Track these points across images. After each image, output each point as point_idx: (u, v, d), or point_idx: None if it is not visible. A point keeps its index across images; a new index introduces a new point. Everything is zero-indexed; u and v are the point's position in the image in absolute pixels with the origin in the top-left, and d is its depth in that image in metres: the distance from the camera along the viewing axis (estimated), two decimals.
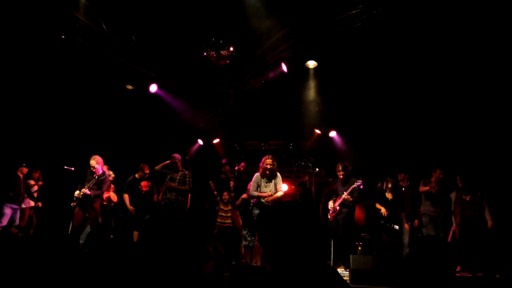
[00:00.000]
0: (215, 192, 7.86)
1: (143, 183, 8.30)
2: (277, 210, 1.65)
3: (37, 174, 8.95)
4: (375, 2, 7.55)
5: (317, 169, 9.22)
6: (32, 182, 8.78)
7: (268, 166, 6.62)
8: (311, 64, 9.46)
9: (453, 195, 7.68)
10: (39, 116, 9.55)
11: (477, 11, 7.08)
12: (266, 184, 6.67)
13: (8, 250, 3.72)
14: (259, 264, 6.60)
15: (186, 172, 7.57)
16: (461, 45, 7.79)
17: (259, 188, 6.68)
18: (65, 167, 8.31)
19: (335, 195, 7.63)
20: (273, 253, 1.58)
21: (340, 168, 7.56)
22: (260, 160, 6.99)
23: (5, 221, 8.17)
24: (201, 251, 4.75)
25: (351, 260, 5.27)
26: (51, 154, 9.55)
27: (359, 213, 8.85)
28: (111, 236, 8.44)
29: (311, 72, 9.70)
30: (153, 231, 7.99)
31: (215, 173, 9.62)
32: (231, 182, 8.03)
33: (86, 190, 6.95)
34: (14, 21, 7.65)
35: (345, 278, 5.84)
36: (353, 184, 7.27)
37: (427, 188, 7.62)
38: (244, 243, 7.45)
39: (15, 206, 8.37)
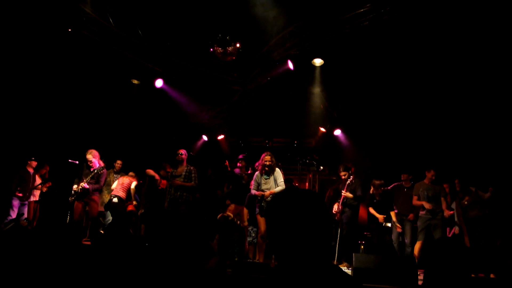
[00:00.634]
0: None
1: (164, 181, 8.41)
2: (290, 197, 1.58)
3: (44, 171, 9.00)
4: (383, 1, 7.50)
5: (321, 167, 9.21)
6: (38, 180, 8.83)
7: (267, 163, 6.61)
8: (318, 62, 9.42)
9: (453, 205, 7.72)
10: (44, 110, 9.58)
11: (485, 11, 7.04)
12: (266, 181, 6.66)
13: (19, 243, 3.75)
14: (261, 260, 6.59)
15: (192, 168, 7.42)
16: (468, 45, 7.74)
17: (259, 186, 6.67)
18: (70, 160, 8.34)
19: (339, 196, 7.69)
20: (280, 243, 1.51)
21: (342, 169, 7.66)
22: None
23: (14, 214, 8.25)
24: (204, 247, 4.77)
25: (353, 259, 5.26)
26: (56, 147, 9.59)
27: (362, 213, 8.85)
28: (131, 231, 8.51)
29: (317, 70, 9.67)
30: (158, 226, 8.02)
31: (219, 169, 9.66)
32: (245, 177, 8.00)
33: (84, 185, 7.01)
34: (21, 14, 7.66)
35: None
36: (355, 183, 7.37)
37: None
38: (248, 239, 7.46)
39: (23, 201, 8.48)
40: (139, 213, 8.64)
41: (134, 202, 8.42)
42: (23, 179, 8.50)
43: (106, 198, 8.62)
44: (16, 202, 8.37)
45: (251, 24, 8.38)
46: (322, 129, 10.64)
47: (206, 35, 8.74)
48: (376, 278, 5.08)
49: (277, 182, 6.52)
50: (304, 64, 9.50)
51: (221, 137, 11.47)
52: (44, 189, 8.88)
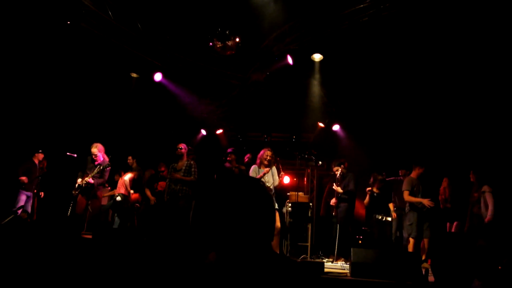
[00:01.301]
0: None
1: (161, 183, 8.44)
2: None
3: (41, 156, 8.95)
4: None
5: (320, 162, 9.26)
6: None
7: (268, 158, 6.69)
8: (317, 57, 9.42)
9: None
10: (43, 103, 9.55)
11: (485, 7, 7.05)
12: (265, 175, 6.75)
13: (19, 236, 3.76)
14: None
15: (192, 162, 7.37)
16: (467, 41, 7.74)
17: None
18: (68, 153, 8.33)
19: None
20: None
21: (334, 165, 7.75)
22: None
23: (28, 206, 8.30)
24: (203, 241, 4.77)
25: (351, 253, 5.29)
26: (54, 140, 9.57)
27: (359, 207, 8.90)
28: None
29: (317, 65, 9.67)
30: (157, 220, 8.06)
31: (219, 163, 9.66)
32: (235, 171, 8.03)
33: (89, 179, 6.97)
34: (20, 7, 7.62)
35: (345, 271, 5.88)
36: (348, 177, 7.44)
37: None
38: None
39: (29, 194, 8.46)
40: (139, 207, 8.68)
41: (131, 191, 8.48)
42: (29, 171, 8.49)
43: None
44: (23, 196, 8.36)
45: (251, 19, 8.37)
46: (321, 124, 10.65)
47: (205, 29, 8.71)
48: (374, 273, 5.12)
49: (274, 177, 6.64)
50: (303, 59, 9.50)
51: (219, 131, 11.47)
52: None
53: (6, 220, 6.77)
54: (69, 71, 9.38)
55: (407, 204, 7.19)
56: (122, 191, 8.29)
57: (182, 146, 7.45)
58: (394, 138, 9.83)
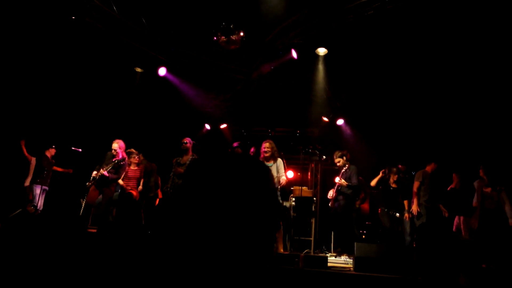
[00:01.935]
0: None
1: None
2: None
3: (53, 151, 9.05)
4: None
5: (324, 156, 9.24)
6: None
7: (265, 149, 6.67)
8: (321, 51, 9.38)
9: (475, 185, 7.61)
10: (48, 98, 9.59)
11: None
12: None
13: (26, 230, 3.80)
14: (282, 250, 6.63)
15: (195, 157, 7.37)
16: (473, 36, 7.69)
17: None
18: (73, 148, 8.39)
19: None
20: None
21: (336, 156, 7.68)
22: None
23: (36, 201, 8.37)
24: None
25: (355, 248, 5.29)
26: (59, 135, 9.62)
27: (364, 204, 8.89)
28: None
29: (321, 59, 9.63)
30: (161, 215, 8.09)
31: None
32: None
33: (104, 172, 7.02)
34: (24, 1, 7.64)
35: (349, 265, 5.89)
36: (350, 170, 7.37)
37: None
38: None
39: (45, 187, 8.56)
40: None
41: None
42: (42, 166, 8.61)
43: None
44: (38, 190, 8.47)
45: (255, 13, 8.34)
46: (325, 119, 10.63)
47: (210, 23, 8.70)
48: (377, 267, 5.12)
49: (279, 172, 6.56)
50: (308, 53, 9.46)
51: (224, 126, 11.48)
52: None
53: (14, 213, 6.83)
54: (74, 66, 9.42)
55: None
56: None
57: (187, 140, 7.45)
58: (399, 133, 9.79)
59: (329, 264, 5.50)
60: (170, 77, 10.06)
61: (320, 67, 9.69)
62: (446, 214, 7.82)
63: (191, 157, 7.35)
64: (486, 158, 8.06)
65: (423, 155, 7.60)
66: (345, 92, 10.54)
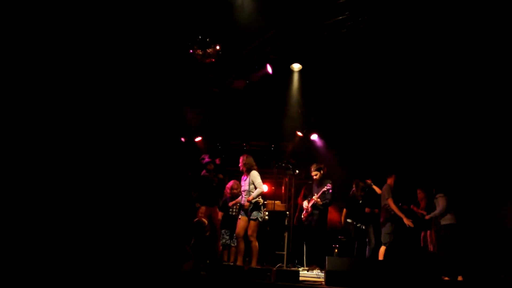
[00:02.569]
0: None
1: None
2: None
3: None
4: (361, 10, 7.65)
5: (297, 171, 9.31)
6: None
7: (240, 164, 6.72)
8: (296, 67, 9.53)
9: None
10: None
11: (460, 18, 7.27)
12: (243, 182, 6.75)
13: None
14: (238, 263, 6.62)
15: None
16: (445, 51, 7.96)
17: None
18: None
19: (310, 195, 7.78)
20: None
21: (313, 169, 7.77)
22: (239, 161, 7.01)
23: None
24: (179, 250, 4.77)
25: (326, 262, 5.33)
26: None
27: (335, 216, 8.97)
28: None
29: (296, 75, 9.77)
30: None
31: (196, 170, 9.59)
32: (215, 179, 8.01)
33: None
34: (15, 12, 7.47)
35: (320, 279, 5.91)
36: (324, 187, 7.44)
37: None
38: (222, 241, 7.49)
39: None
40: None
41: None
42: None
43: None
44: None
45: (231, 27, 8.41)
46: (299, 133, 10.73)
47: (185, 36, 8.71)
48: (349, 281, 5.16)
49: (254, 184, 6.53)
50: (283, 69, 9.59)
51: (198, 139, 11.42)
52: None
53: None
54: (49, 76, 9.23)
55: (384, 213, 7.30)
56: None
57: None
58: (371, 147, 9.96)
59: (301, 278, 5.51)
60: None
61: (295, 82, 9.81)
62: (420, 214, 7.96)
63: None
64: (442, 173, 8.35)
65: (384, 169, 7.75)
66: (319, 108, 10.68)
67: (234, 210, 7.58)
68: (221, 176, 8.35)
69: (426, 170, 8.91)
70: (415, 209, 8.03)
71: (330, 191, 7.48)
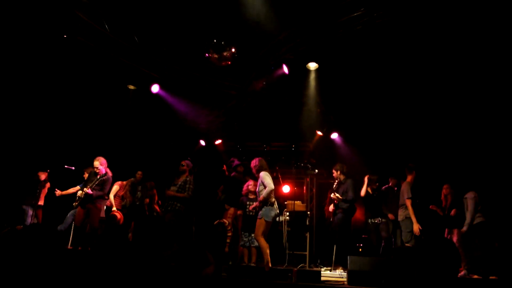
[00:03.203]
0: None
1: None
2: None
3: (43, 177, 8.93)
4: (376, 5, 7.54)
5: (316, 170, 9.23)
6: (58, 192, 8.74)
7: (251, 166, 6.69)
8: (312, 66, 9.46)
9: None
10: (40, 116, 9.60)
11: (476, 15, 7.09)
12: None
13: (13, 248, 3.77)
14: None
15: (188, 179, 7.23)
16: (462, 46, 7.77)
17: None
18: (66, 166, 8.36)
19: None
20: None
21: (335, 168, 7.70)
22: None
23: (28, 221, 8.30)
24: (200, 256, 4.80)
25: (348, 261, 5.26)
26: (52, 153, 9.59)
27: (360, 215, 8.84)
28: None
29: (312, 74, 9.70)
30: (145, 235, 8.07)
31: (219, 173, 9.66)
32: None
33: (88, 190, 7.04)
34: (15, 19, 7.69)
35: (343, 279, 5.84)
36: (345, 185, 7.36)
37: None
38: (241, 243, 7.48)
39: (32, 208, 8.52)
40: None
41: (114, 208, 8.44)
42: (34, 187, 8.56)
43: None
44: (30, 212, 8.44)
45: (246, 29, 8.41)
46: (319, 133, 10.65)
47: (202, 40, 8.77)
48: (371, 281, 5.08)
49: (264, 183, 6.42)
50: (299, 68, 9.54)
51: (218, 141, 11.49)
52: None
53: (3, 231, 6.77)
54: (67, 84, 9.45)
55: (403, 212, 7.16)
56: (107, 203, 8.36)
57: (184, 163, 7.39)
58: (392, 145, 9.81)
59: (323, 278, 5.46)
60: (163, 94, 10.09)
61: (312, 81, 9.74)
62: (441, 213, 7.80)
63: (185, 178, 7.29)
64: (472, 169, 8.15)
65: (403, 167, 7.59)
66: (338, 106, 10.58)
67: (251, 210, 7.58)
68: (241, 176, 8.40)
69: (448, 166, 8.71)
70: (435, 208, 7.85)
71: (350, 189, 7.37)
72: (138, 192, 9.07)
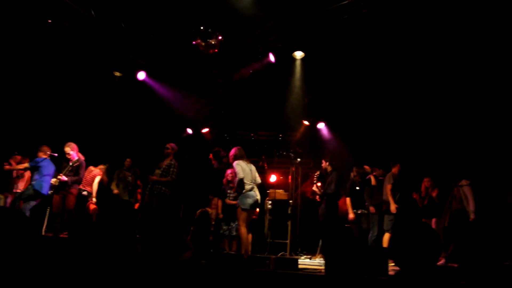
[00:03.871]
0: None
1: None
2: None
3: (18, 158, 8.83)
4: None
5: (298, 159, 9.26)
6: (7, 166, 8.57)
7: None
8: (298, 55, 9.44)
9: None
10: (24, 102, 9.51)
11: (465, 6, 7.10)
12: None
13: None
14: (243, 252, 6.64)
15: (172, 163, 7.31)
16: (447, 37, 7.79)
17: None
18: (49, 153, 8.30)
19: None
20: None
21: (325, 159, 7.72)
22: (248, 151, 6.93)
23: None
24: (178, 241, 4.83)
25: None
26: (36, 140, 9.51)
27: (343, 204, 8.90)
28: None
29: (298, 62, 9.67)
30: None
31: (204, 162, 9.66)
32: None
33: (62, 177, 7.01)
34: None
35: (321, 267, 5.90)
36: (329, 177, 7.40)
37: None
38: (221, 231, 7.54)
39: (12, 194, 8.45)
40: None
41: (94, 200, 8.34)
42: (7, 173, 8.45)
43: (123, 194, 8.96)
44: (10, 199, 8.38)
45: (234, 17, 8.37)
46: (306, 122, 10.67)
47: (189, 27, 8.71)
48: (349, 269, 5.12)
49: (235, 173, 6.44)
50: (287, 57, 9.52)
51: (205, 130, 11.47)
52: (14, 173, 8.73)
53: None
54: (51, 70, 9.36)
55: (386, 201, 7.23)
56: (88, 188, 8.28)
57: (169, 146, 7.43)
58: (379, 135, 9.85)
59: (301, 266, 5.51)
60: (150, 81, 10.03)
61: (298, 70, 9.72)
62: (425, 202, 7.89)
63: (170, 161, 7.31)
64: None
65: (390, 158, 7.64)
66: (324, 95, 10.58)
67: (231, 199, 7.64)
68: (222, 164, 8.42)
69: (431, 159, 8.77)
70: (416, 197, 7.93)
71: (334, 182, 7.40)
72: (129, 177, 9.13)
